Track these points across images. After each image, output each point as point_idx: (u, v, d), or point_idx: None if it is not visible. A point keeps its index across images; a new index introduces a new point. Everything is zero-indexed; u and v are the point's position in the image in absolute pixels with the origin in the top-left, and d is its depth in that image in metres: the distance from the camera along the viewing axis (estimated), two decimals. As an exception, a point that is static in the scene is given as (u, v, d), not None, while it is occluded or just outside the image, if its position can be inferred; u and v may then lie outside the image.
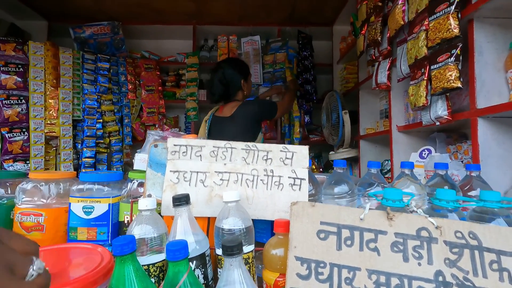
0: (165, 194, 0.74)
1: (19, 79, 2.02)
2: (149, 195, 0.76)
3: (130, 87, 2.69)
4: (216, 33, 2.94)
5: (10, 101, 1.99)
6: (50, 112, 2.18)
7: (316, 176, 1.04)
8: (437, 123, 1.18)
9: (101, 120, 2.50)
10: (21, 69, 2.03)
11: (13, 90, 2.01)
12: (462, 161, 1.34)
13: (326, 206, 0.65)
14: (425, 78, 1.16)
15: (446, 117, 1.12)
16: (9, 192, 0.85)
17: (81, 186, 0.82)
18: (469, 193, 0.91)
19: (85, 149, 2.39)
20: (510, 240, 0.59)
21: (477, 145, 1.01)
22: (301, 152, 0.79)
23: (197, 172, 0.76)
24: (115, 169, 2.57)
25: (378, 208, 0.69)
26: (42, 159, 2.10)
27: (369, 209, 0.64)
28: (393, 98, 1.60)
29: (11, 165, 1.97)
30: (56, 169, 2.24)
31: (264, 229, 0.87)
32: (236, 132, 1.72)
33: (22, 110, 2.03)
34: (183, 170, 0.76)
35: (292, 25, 2.86)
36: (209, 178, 0.76)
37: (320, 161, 2.92)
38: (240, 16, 2.76)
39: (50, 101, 2.18)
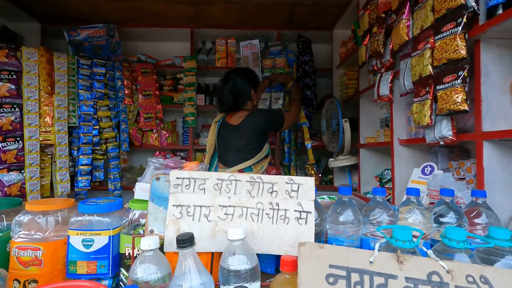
0: (168, 229, 0.72)
1: (13, 87, 1.97)
2: (151, 231, 0.74)
3: (127, 92, 2.64)
4: (214, 36, 2.89)
5: (3, 109, 1.94)
6: (45, 120, 2.13)
7: (319, 200, 1.03)
8: (441, 143, 1.17)
9: (97, 127, 2.45)
10: (14, 76, 1.98)
11: (6, 98, 1.95)
12: (464, 178, 1.33)
13: (335, 248, 0.63)
14: (430, 98, 1.14)
15: (451, 137, 1.11)
16: (4, 222, 0.82)
17: (80, 218, 0.79)
18: (475, 220, 0.90)
19: (81, 156, 2.35)
20: (521, 285, 0.58)
21: (482, 169, 1.00)
22: (307, 184, 0.77)
23: (201, 206, 0.74)
24: (112, 176, 2.53)
25: (386, 246, 0.68)
26: (37, 168, 2.06)
27: (378, 250, 0.63)
28: (395, 111, 1.59)
29: (5, 175, 1.93)
30: (51, 178, 2.20)
31: (269, 259, 0.85)
32: (241, 142, 1.71)
33: (16, 118, 1.98)
34: (186, 204, 0.74)
35: (291, 29, 2.82)
36: (213, 213, 0.74)
37: (319, 167, 2.91)
38: (239, 20, 2.71)
39: (44, 108, 2.13)
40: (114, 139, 2.57)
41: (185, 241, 0.63)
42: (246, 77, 1.78)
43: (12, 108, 1.97)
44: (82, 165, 2.34)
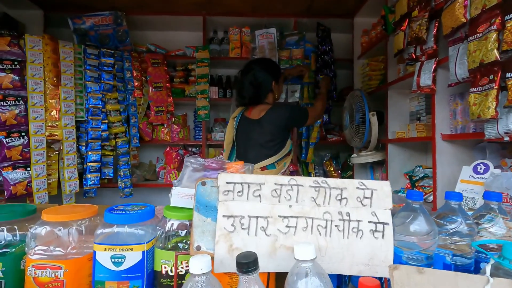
0: (218, 246, 0.59)
1: (16, 78, 1.82)
2: (198, 247, 0.60)
3: (137, 84, 2.49)
4: (228, 24, 2.72)
5: (7, 102, 1.80)
6: (51, 114, 1.99)
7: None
8: (506, 138, 1.03)
9: (106, 121, 2.31)
10: (17, 66, 1.83)
11: (9, 90, 1.81)
12: (522, 177, 1.19)
13: (438, 273, 0.50)
14: (495, 87, 1.00)
15: (521, 132, 0.97)
16: (17, 233, 0.69)
17: (107, 230, 0.66)
18: None
19: (90, 152, 2.21)
20: None
21: None
22: (383, 190, 0.64)
23: (257, 217, 0.61)
24: (121, 173, 2.40)
25: (495, 267, 0.55)
26: (44, 165, 1.93)
27: (489, 274, 0.50)
28: (437, 103, 1.45)
29: (10, 173, 1.80)
30: (59, 175, 2.06)
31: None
32: (264, 138, 1.61)
33: (20, 112, 1.84)
34: (240, 214, 0.60)
35: (309, 16, 2.65)
36: (271, 225, 0.61)
37: (338, 163, 2.78)
38: (254, 7, 2.55)
39: (50, 101, 1.98)
40: (124, 134, 2.43)
41: (249, 264, 0.50)
42: (267, 68, 1.68)
43: (16, 101, 1.83)
44: (91, 161, 2.21)
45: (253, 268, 0.50)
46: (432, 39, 1.39)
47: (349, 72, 2.72)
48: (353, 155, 2.30)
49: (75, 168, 2.12)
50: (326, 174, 2.77)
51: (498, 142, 1.33)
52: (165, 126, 2.64)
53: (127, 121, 2.47)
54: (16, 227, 0.68)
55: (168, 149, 2.63)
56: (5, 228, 0.67)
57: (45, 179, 1.93)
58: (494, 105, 1.01)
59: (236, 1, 2.47)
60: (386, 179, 2.05)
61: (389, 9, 1.82)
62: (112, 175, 2.42)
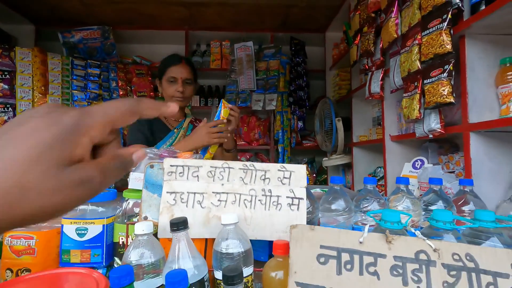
0: (162, 216, 0.73)
1: (6, 86, 1.96)
2: (145, 218, 0.74)
3: (121, 93, 2.64)
4: (209, 38, 2.92)
5: (-4, 109, 1.93)
6: (39, 120, 2.12)
7: (312, 191, 1.05)
8: (430, 136, 1.20)
9: (91, 127, 2.44)
10: (7, 76, 1.97)
11: (-1, 98, 1.95)
12: (453, 172, 1.36)
13: (326, 230, 0.65)
14: (418, 92, 1.18)
15: (439, 130, 1.14)
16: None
17: (74, 207, 0.80)
18: (463, 208, 0.93)
19: (75, 157, 2.33)
20: (505, 262, 0.60)
21: (469, 159, 1.03)
22: (299, 171, 0.79)
23: (195, 193, 0.75)
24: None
25: (376, 229, 0.70)
26: (30, 169, 2.04)
27: (368, 231, 0.65)
28: (386, 108, 1.62)
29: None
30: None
31: (262, 248, 0.86)
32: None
33: (8, 118, 1.97)
34: (180, 191, 0.75)
35: (285, 31, 2.87)
36: (206, 199, 0.75)
37: (314, 167, 2.93)
38: (233, 22, 2.75)
39: (38, 108, 2.12)
40: (109, 140, 2.55)
41: (179, 224, 0.64)
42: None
43: (5, 108, 1.96)
44: (75, 166, 2.32)
45: (182, 227, 0.64)
46: (379, 51, 1.58)
47: (323, 82, 2.92)
48: (324, 159, 2.46)
49: (60, 172, 2.23)
50: (303, 178, 2.91)
51: (436, 142, 1.50)
52: (149, 132, 2.78)
53: (112, 128, 2.60)
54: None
55: (151, 154, 2.75)
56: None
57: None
58: (418, 107, 1.18)
59: (217, 17, 2.67)
60: (353, 180, 2.20)
61: (349, 25, 2.03)
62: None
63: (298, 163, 2.95)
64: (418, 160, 1.39)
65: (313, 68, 2.93)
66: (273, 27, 2.84)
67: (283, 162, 2.79)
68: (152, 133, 1.37)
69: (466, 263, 0.61)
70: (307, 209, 0.80)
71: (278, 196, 0.76)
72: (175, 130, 1.45)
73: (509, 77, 0.99)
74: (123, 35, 2.88)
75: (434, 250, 0.61)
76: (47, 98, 2.15)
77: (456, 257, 0.62)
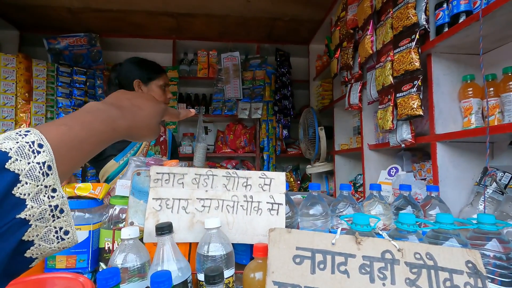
0: (148, 221, 0.76)
1: (-12, 93, 1.94)
2: (132, 223, 0.77)
3: (107, 100, 2.64)
4: (196, 47, 2.98)
5: (-23, 115, 1.90)
6: (21, 127, 2.09)
7: (292, 197, 1.10)
8: (402, 145, 1.28)
9: (76, 134, 2.42)
10: (-10, 82, 1.95)
11: (-20, 104, 1.92)
12: (425, 179, 1.45)
13: (301, 233, 0.70)
14: (391, 104, 1.27)
15: (410, 140, 1.23)
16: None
17: (60, 214, 0.82)
18: (429, 212, 1.01)
19: (58, 164, 2.30)
20: (460, 260, 0.67)
21: (436, 167, 1.12)
22: (279, 178, 0.84)
23: (179, 199, 0.79)
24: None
25: (348, 231, 0.76)
26: (11, 176, 2.01)
27: (340, 234, 0.71)
28: (364, 118, 1.72)
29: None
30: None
31: (244, 251, 0.91)
32: None
33: (-10, 124, 1.94)
34: (166, 197, 0.78)
35: (270, 42, 2.96)
36: (191, 205, 0.79)
37: (298, 174, 3.00)
38: (220, 33, 2.82)
39: (21, 115, 2.10)
40: (93, 147, 2.54)
41: (164, 228, 0.67)
42: (133, 65, 1.39)
43: (-13, 114, 1.93)
44: (58, 173, 2.29)
45: (167, 232, 0.68)
46: (357, 65, 1.67)
47: (307, 92, 3.02)
48: (308, 166, 2.53)
49: (42, 179, 2.20)
50: (288, 185, 2.98)
51: (410, 150, 1.60)
52: (135, 140, 2.77)
53: (97, 135, 2.59)
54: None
55: (137, 162, 2.75)
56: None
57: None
58: (391, 119, 1.27)
59: (204, 27, 2.74)
60: (335, 186, 2.28)
61: (330, 39, 2.13)
62: (80, 187, 2.50)
63: (283, 170, 3.01)
64: (393, 168, 1.48)
65: (298, 78, 3.04)
66: (259, 38, 2.94)
67: (268, 169, 2.85)
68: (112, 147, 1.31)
69: (426, 261, 0.68)
70: (286, 214, 0.86)
71: (259, 202, 0.81)
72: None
73: (469, 92, 1.09)
74: (110, 43, 2.89)
75: (398, 250, 0.68)
76: (30, 104, 2.13)
77: (417, 256, 0.68)
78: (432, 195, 1.00)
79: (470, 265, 0.66)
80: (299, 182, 2.93)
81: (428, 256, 0.68)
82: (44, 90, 2.22)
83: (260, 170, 2.89)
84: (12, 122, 2.04)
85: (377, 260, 0.67)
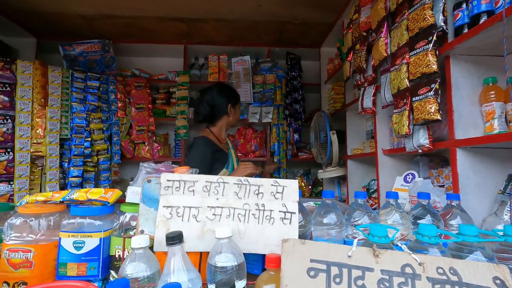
0: (158, 230, 0.75)
1: (6, 98, 1.99)
2: (142, 231, 0.76)
3: (120, 105, 2.68)
4: (207, 52, 2.99)
5: (-5, 121, 1.96)
6: (37, 131, 2.14)
7: (304, 204, 1.07)
8: (419, 151, 1.24)
9: (89, 139, 2.47)
10: (8, 88, 2.01)
11: (-1, 110, 1.98)
12: (443, 185, 1.40)
13: (315, 244, 0.67)
14: (407, 109, 1.22)
15: (428, 145, 1.18)
16: (-4, 226, 0.84)
17: (72, 221, 0.82)
18: (450, 222, 0.96)
19: (72, 168, 2.34)
20: (486, 276, 0.63)
21: (456, 174, 1.07)
22: (291, 186, 0.82)
23: (190, 207, 0.78)
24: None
25: (364, 243, 0.72)
26: (27, 180, 2.05)
27: (356, 245, 0.67)
28: (379, 123, 1.67)
29: (-6, 187, 1.92)
30: (41, 190, 2.18)
31: (255, 261, 0.88)
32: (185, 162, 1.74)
33: (7, 129, 1.99)
34: (176, 205, 0.77)
35: (281, 46, 2.95)
36: (201, 213, 0.77)
37: (309, 178, 2.96)
38: (230, 37, 2.83)
39: (37, 120, 2.14)
40: (106, 151, 2.58)
41: (174, 238, 0.66)
42: (224, 91, 1.79)
43: (5, 120, 1.98)
44: (72, 176, 2.34)
45: (177, 241, 0.67)
46: (371, 68, 1.63)
47: (318, 96, 2.98)
48: (319, 171, 2.49)
49: (56, 183, 2.24)
50: (299, 190, 2.94)
51: (426, 156, 1.55)
52: (146, 144, 2.81)
53: (109, 139, 2.63)
54: (-5, 219, 0.83)
55: (148, 166, 2.77)
56: (-14, 220, 0.82)
57: (27, 193, 2.04)
58: (407, 123, 1.23)
59: (214, 32, 2.75)
60: (347, 192, 2.23)
61: (342, 42, 2.10)
62: (93, 190, 2.54)
63: (294, 174, 2.98)
64: (409, 174, 1.43)
65: (309, 81, 3.00)
66: (269, 42, 2.93)
67: (278, 174, 2.82)
68: (215, 160, 1.67)
69: (450, 276, 0.64)
70: (299, 223, 0.83)
71: (271, 211, 0.79)
72: (229, 151, 1.78)
73: (491, 96, 1.04)
74: (123, 48, 2.94)
75: (420, 264, 0.64)
76: (46, 110, 2.18)
77: (440, 270, 0.64)
78: (453, 203, 0.95)
79: (498, 281, 0.62)
80: (310, 187, 2.88)
81: (451, 271, 0.64)
82: (59, 95, 2.27)
83: (271, 174, 2.86)
84: (28, 127, 2.09)
85: (396, 274, 0.63)
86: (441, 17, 1.10)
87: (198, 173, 1.49)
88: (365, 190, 2.14)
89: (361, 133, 2.25)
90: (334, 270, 0.64)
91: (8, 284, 0.76)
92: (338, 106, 2.61)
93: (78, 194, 0.86)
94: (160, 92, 3.00)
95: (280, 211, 0.80)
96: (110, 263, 0.83)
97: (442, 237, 0.81)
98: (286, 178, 2.85)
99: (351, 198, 2.21)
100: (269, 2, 2.24)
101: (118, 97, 2.68)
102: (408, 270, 0.63)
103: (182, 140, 2.83)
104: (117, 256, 0.81)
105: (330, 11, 2.32)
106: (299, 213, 0.83)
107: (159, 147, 2.80)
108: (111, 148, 2.63)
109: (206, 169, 1.61)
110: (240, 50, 2.92)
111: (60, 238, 0.79)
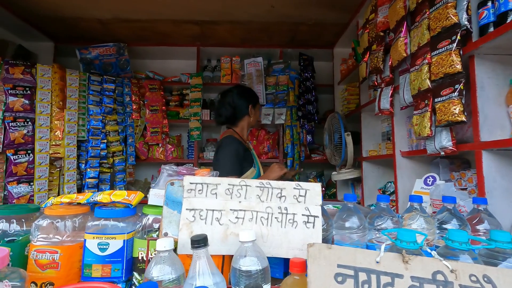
0: (182, 232, 0.75)
1: (26, 102, 2.04)
2: (166, 234, 0.77)
3: (135, 107, 2.72)
4: (220, 54, 3.00)
5: (17, 123, 2.01)
6: (56, 134, 2.19)
7: (325, 207, 1.06)
8: (442, 153, 1.21)
9: (105, 141, 2.51)
10: (28, 91, 2.06)
11: (20, 112, 2.03)
12: (466, 188, 1.36)
13: (342, 249, 0.66)
14: (429, 110, 1.19)
15: (451, 148, 1.15)
16: (24, 227, 0.85)
17: (96, 222, 0.83)
18: (477, 227, 0.93)
19: (88, 169, 2.39)
20: (523, 284, 0.60)
21: (482, 177, 1.03)
22: (314, 190, 0.81)
23: (213, 210, 0.77)
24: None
25: (391, 248, 0.71)
26: (46, 181, 2.10)
27: (384, 251, 0.66)
28: (396, 124, 1.64)
29: (15, 187, 1.97)
30: (59, 191, 2.23)
31: (277, 265, 0.87)
32: (215, 161, 1.73)
33: (28, 132, 2.04)
34: (199, 208, 0.77)
35: (293, 47, 2.94)
36: (224, 216, 0.77)
37: (323, 180, 2.93)
38: (243, 39, 2.83)
39: (55, 122, 2.19)
40: (121, 152, 2.62)
41: (200, 241, 0.66)
42: (245, 92, 1.84)
43: (25, 122, 2.03)
44: (89, 178, 2.38)
45: (203, 244, 0.66)
46: (388, 69, 1.61)
47: (331, 97, 2.95)
48: (333, 173, 2.46)
49: (74, 184, 2.29)
50: (312, 192, 2.91)
51: (447, 158, 1.51)
52: (160, 145, 2.83)
53: (124, 141, 2.67)
54: (23, 220, 0.85)
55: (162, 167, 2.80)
56: (14, 221, 0.84)
57: (46, 194, 2.09)
58: (429, 125, 1.20)
59: (227, 34, 2.76)
60: (362, 194, 2.20)
61: (357, 42, 2.07)
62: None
63: (307, 176, 2.95)
64: (430, 177, 1.39)
65: (322, 82, 2.98)
66: (282, 43, 2.92)
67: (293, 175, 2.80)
68: (244, 158, 1.69)
69: (484, 284, 0.61)
70: (321, 226, 0.82)
71: (294, 214, 0.78)
72: (252, 151, 1.82)
73: (519, 96, 1.01)
74: (137, 51, 2.99)
75: (451, 271, 0.62)
76: (64, 112, 2.23)
77: (473, 278, 0.62)
78: (480, 208, 0.92)
79: (536, 290, 0.60)
80: (323, 189, 2.85)
81: (485, 279, 0.61)
82: (76, 98, 2.32)
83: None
84: (47, 130, 2.14)
85: (427, 281, 0.61)
86: (465, 15, 1.07)
87: (233, 169, 1.62)
88: (381, 192, 2.11)
89: (376, 134, 2.21)
90: (362, 276, 0.62)
91: (36, 284, 0.78)
92: (352, 107, 2.58)
93: (102, 196, 0.87)
94: (174, 94, 3.03)
95: (303, 215, 0.79)
96: (133, 265, 0.83)
97: (473, 245, 0.78)
98: (299, 180, 2.83)
99: (366, 200, 2.17)
100: (282, 3, 2.23)
101: (133, 99, 2.72)
102: (439, 277, 0.62)
103: (195, 141, 2.85)
104: (140, 258, 0.82)
105: (344, 11, 2.30)
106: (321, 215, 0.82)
107: (172, 149, 2.83)
108: (126, 150, 2.67)
109: (240, 166, 1.63)
110: (253, 52, 2.92)
111: (85, 240, 0.80)
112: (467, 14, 1.07)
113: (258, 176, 1.74)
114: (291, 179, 2.46)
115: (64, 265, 0.79)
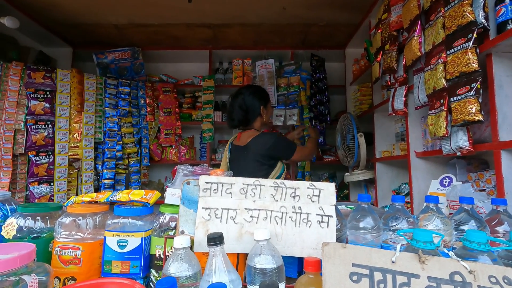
0: (198, 230, 0.77)
1: (47, 105, 2.13)
2: (182, 232, 0.79)
3: (149, 109, 2.78)
4: (231, 56, 3.04)
5: (38, 126, 2.09)
6: (74, 136, 2.27)
7: (339, 208, 1.06)
8: (458, 153, 1.18)
9: (121, 142, 2.58)
10: (49, 95, 2.14)
11: (41, 116, 2.11)
12: (484, 190, 1.32)
13: (357, 248, 0.66)
14: (445, 109, 1.18)
15: (468, 148, 1.13)
16: (48, 224, 0.89)
17: (115, 220, 0.86)
18: (496, 228, 0.91)
19: (105, 170, 2.46)
20: (546, 286, 0.59)
21: (501, 178, 1.01)
22: (328, 189, 0.81)
23: (228, 209, 0.79)
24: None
25: (407, 248, 0.70)
26: (65, 181, 2.18)
27: (399, 251, 0.66)
28: (411, 124, 1.62)
29: (36, 187, 2.05)
30: (77, 191, 2.30)
31: (291, 264, 0.88)
32: (248, 164, 1.67)
33: (48, 134, 2.12)
34: (215, 207, 0.79)
35: (305, 48, 2.94)
36: (239, 215, 0.78)
37: (335, 181, 2.90)
38: (255, 41, 2.86)
39: (74, 125, 2.27)
40: (136, 154, 2.68)
41: (216, 239, 0.67)
42: (256, 93, 1.78)
43: (46, 125, 2.12)
44: (105, 179, 2.45)
45: (219, 242, 0.68)
46: (402, 69, 1.59)
47: (343, 97, 2.93)
48: (346, 174, 2.44)
49: (91, 185, 2.36)
50: (324, 193, 2.89)
51: (464, 158, 1.48)
52: (173, 147, 2.88)
53: (139, 142, 2.74)
54: (47, 218, 0.89)
55: (175, 168, 2.85)
56: (39, 218, 0.88)
57: (65, 194, 2.17)
58: (445, 125, 1.18)
59: (239, 37, 2.79)
60: (376, 196, 2.17)
61: (370, 42, 2.05)
62: (124, 192, 2.65)
63: (319, 177, 2.94)
64: (446, 178, 1.37)
65: (333, 83, 2.96)
66: (293, 44, 2.92)
67: (302, 176, 2.80)
68: None
69: (504, 286, 0.60)
70: (335, 226, 0.82)
71: (308, 214, 0.79)
72: None
73: (540, 95, 0.98)
74: (151, 55, 3.06)
75: (470, 272, 0.61)
76: (82, 115, 2.31)
77: (493, 279, 0.61)
78: (499, 209, 0.90)
79: (559, 293, 0.58)
80: (336, 190, 2.83)
81: (506, 281, 0.60)
82: (93, 101, 2.40)
83: (296, 176, 2.84)
84: (66, 132, 2.22)
85: (445, 282, 0.61)
86: (481, 13, 1.05)
87: (297, 148, 1.77)
88: (396, 193, 2.07)
89: (390, 135, 2.18)
90: (378, 276, 0.62)
91: (59, 279, 0.81)
92: (364, 107, 2.56)
93: (121, 195, 0.90)
94: (186, 97, 3.08)
95: (317, 214, 0.79)
96: (151, 262, 0.86)
97: (492, 247, 0.77)
98: (311, 180, 2.82)
99: (380, 202, 2.14)
100: (294, 5, 2.24)
101: (147, 102, 2.78)
102: (457, 278, 0.61)
103: (207, 143, 2.88)
104: (157, 255, 0.84)
105: (356, 11, 2.29)
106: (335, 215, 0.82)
107: (185, 150, 2.87)
108: (141, 151, 2.73)
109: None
110: (264, 54, 2.93)
111: (105, 237, 0.84)
112: (484, 11, 1.05)
113: (283, 171, 1.76)
114: (303, 136, 2.51)
115: (86, 261, 0.83)
